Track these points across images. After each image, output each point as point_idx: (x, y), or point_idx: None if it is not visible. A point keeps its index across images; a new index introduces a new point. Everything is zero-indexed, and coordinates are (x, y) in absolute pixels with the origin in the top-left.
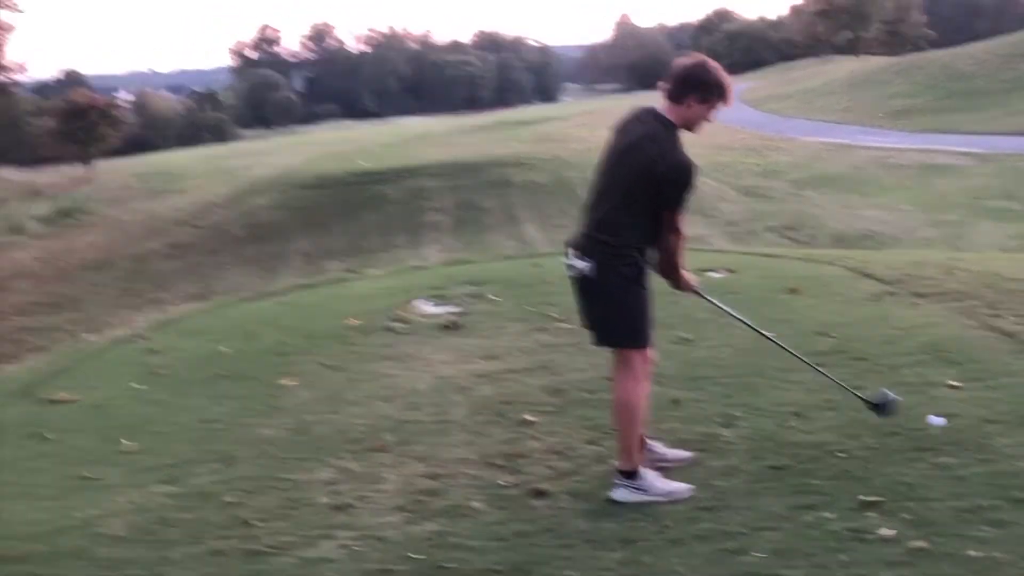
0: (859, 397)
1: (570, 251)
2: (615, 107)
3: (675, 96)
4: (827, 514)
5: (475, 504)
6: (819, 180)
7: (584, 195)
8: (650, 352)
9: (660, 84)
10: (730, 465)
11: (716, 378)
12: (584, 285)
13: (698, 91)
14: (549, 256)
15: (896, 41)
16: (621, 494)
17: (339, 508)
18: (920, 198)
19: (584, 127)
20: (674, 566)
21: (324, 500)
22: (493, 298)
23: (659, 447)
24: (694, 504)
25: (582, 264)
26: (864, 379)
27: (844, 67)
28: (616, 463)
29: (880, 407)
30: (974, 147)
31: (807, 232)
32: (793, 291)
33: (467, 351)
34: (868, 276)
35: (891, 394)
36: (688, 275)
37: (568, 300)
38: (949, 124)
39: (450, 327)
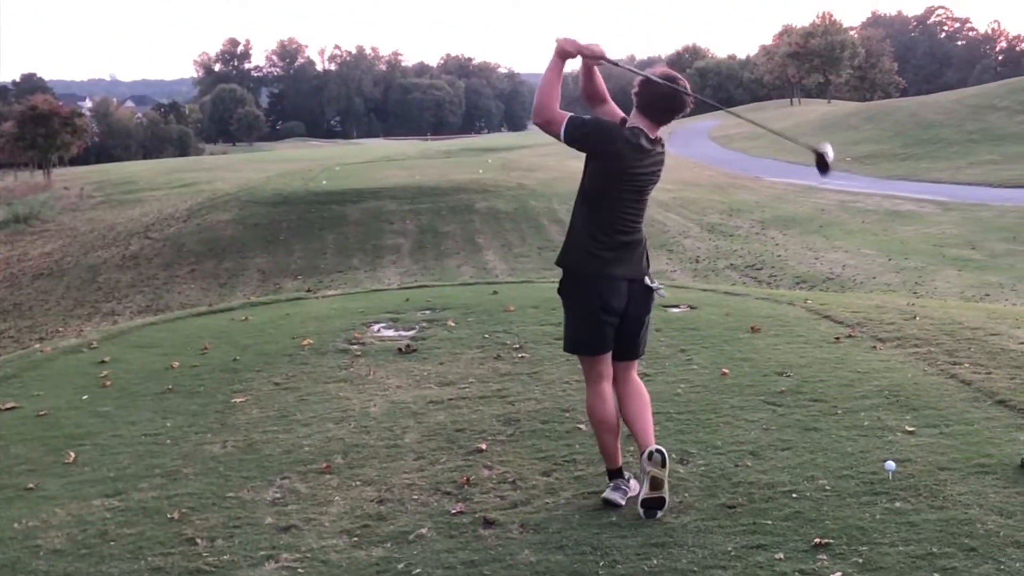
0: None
1: None
2: None
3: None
4: (778, 555)
5: (423, 531)
6: (783, 221)
7: (547, 225)
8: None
9: None
10: (683, 502)
11: (672, 413)
12: None
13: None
14: (508, 284)
15: (866, 87)
16: (608, 494)
17: (284, 529)
18: (883, 243)
19: (551, 156)
20: None
21: (269, 520)
22: (450, 324)
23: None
24: (644, 540)
25: None
26: (820, 421)
27: (815, 110)
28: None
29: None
30: (938, 195)
31: (769, 272)
32: (754, 330)
33: (422, 376)
34: (829, 318)
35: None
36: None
37: (526, 329)
38: (914, 171)
39: (405, 351)
